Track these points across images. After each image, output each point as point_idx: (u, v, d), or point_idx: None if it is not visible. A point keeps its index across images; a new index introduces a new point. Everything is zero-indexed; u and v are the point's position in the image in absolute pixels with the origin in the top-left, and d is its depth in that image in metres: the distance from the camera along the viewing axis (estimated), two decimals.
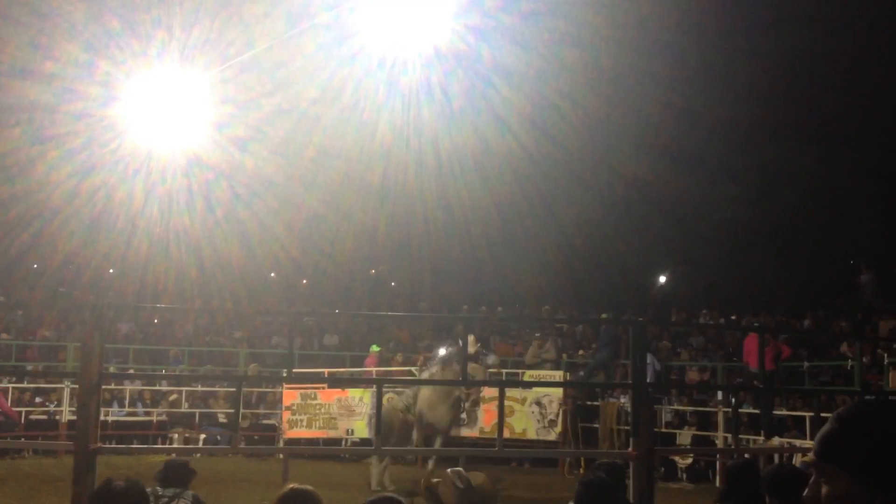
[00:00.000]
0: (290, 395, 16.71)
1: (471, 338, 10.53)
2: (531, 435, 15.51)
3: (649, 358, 14.58)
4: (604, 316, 19.05)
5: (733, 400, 11.28)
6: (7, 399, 16.13)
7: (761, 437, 14.64)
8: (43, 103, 16.44)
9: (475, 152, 23.85)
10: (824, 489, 1.63)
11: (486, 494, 4.39)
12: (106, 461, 8.33)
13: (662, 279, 32.95)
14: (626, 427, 13.68)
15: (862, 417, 1.63)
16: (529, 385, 15.82)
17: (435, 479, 4.42)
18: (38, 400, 17.84)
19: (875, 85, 23.32)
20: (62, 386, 17.43)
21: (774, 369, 14.70)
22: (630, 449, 6.24)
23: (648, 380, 8.71)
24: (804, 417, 14.02)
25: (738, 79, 23.24)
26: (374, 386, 7.93)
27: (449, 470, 4.46)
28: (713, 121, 24.49)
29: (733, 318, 18.79)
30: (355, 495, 11.44)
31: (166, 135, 14.49)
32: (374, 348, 19.52)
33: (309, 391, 16.67)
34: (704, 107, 23.41)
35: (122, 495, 3.61)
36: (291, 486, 3.60)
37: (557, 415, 15.51)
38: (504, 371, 17.10)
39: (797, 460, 12.39)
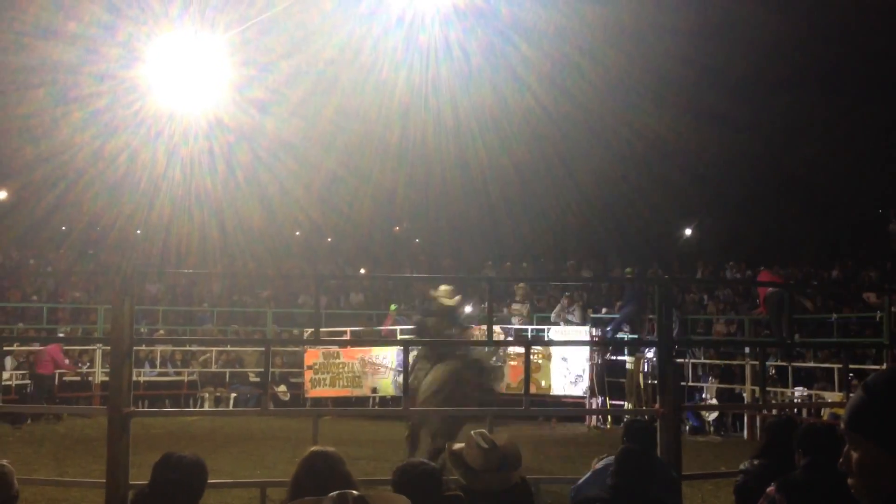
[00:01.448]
0: (313, 355, 16.85)
1: (443, 288, 9.87)
2: (558, 390, 15.62)
3: (674, 314, 14.61)
4: (628, 271, 19.04)
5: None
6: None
7: (789, 390, 14.69)
8: (66, 64, 16.48)
9: (494, 111, 23.71)
10: (854, 456, 1.66)
11: (512, 453, 4.45)
12: (140, 422, 8.51)
13: (688, 232, 32.83)
14: (653, 381, 13.76)
15: (890, 387, 1.65)
16: (555, 344, 15.86)
17: (458, 445, 4.49)
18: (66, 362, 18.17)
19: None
20: (94, 348, 17.70)
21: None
22: (657, 406, 6.32)
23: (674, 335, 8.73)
24: (832, 369, 14.04)
25: (757, 32, 22.90)
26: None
27: (472, 432, 4.52)
28: (734, 75, 24.23)
29: (761, 269, 18.69)
30: (383, 451, 11.65)
31: (188, 97, 14.49)
32: (393, 308, 19.66)
33: (332, 350, 16.80)
34: (725, 61, 23.14)
35: (190, 467, 3.73)
36: (313, 449, 3.66)
37: (584, 370, 15.60)
38: (530, 328, 17.19)
39: (825, 413, 12.47)
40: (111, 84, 15.72)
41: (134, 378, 6.23)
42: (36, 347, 16.57)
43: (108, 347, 6.21)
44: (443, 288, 9.81)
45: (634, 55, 23.16)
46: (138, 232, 27.13)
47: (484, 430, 4.53)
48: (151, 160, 20.30)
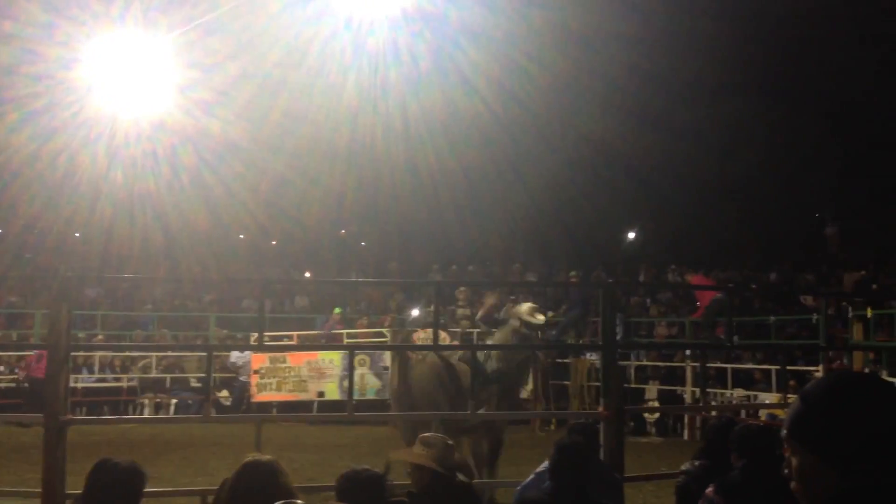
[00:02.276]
0: (259, 359, 16.73)
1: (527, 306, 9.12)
2: None
3: (617, 318, 14.82)
4: (572, 275, 19.21)
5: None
6: None
7: (729, 392, 14.98)
8: (1, 64, 16.08)
9: (442, 115, 23.74)
10: (794, 464, 1.70)
11: (460, 456, 4.46)
12: (78, 429, 8.31)
13: (631, 235, 33.26)
14: (597, 383, 13.90)
15: (826, 396, 1.68)
16: (500, 348, 15.90)
17: (413, 447, 4.49)
18: (1, 369, 17.73)
19: (835, 40, 23.53)
20: (30, 354, 17.29)
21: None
22: (600, 408, 6.39)
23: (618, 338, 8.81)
24: (770, 371, 14.34)
25: (700, 40, 23.30)
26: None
27: (422, 434, 4.53)
28: (677, 82, 24.59)
29: (701, 272, 19.04)
30: (327, 457, 11.58)
31: (130, 98, 14.29)
32: (337, 311, 19.60)
33: (278, 354, 16.70)
34: (668, 68, 23.48)
35: (126, 474, 3.64)
36: (249, 458, 3.56)
37: (528, 372, 15.66)
38: (475, 331, 17.20)
39: (763, 414, 12.73)
40: (49, 84, 15.38)
41: (71, 384, 6.11)
42: None
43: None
44: (527, 306, 9.22)
45: (581, 61, 23.41)
46: (77, 235, 26.60)
47: (435, 433, 4.54)
48: (92, 162, 19.92)
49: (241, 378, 17.57)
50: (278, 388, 16.75)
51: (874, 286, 18.92)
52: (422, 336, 15.33)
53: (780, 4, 21.59)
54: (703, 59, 24.05)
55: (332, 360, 16.58)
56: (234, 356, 17.65)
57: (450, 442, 4.42)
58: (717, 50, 23.23)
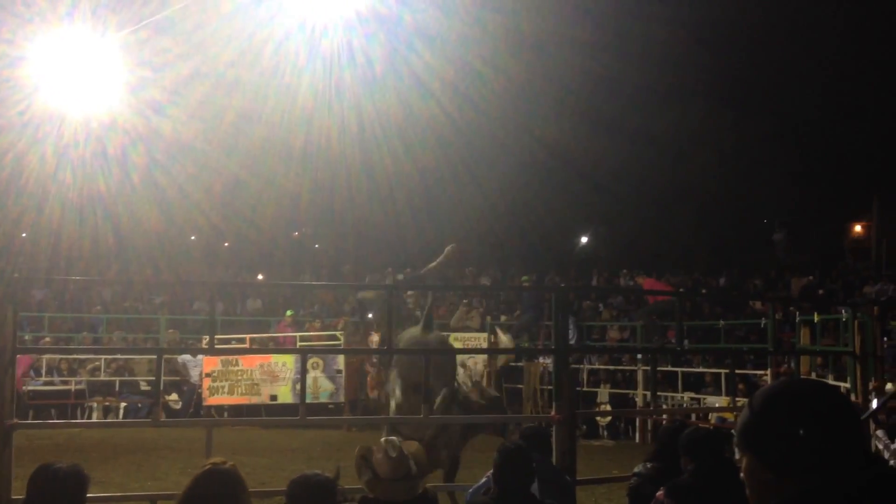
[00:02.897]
0: (211, 362, 16.55)
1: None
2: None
3: (570, 321, 14.95)
4: (524, 279, 19.32)
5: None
6: None
7: (679, 395, 15.18)
8: None
9: (397, 117, 23.77)
10: (745, 470, 1.73)
11: (420, 462, 4.45)
12: (24, 433, 8.16)
13: (584, 240, 33.56)
14: (550, 387, 13.99)
15: (774, 406, 1.71)
16: (456, 352, 15.95)
17: (372, 447, 4.46)
18: None
19: (783, 48, 24.03)
20: None
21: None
22: (553, 412, 6.42)
23: (571, 342, 8.87)
24: (720, 374, 14.54)
25: (651, 46, 23.62)
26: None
27: (382, 439, 4.51)
28: (629, 86, 24.90)
29: (652, 276, 19.29)
30: (279, 460, 11.50)
31: (79, 97, 14.03)
32: (289, 313, 19.50)
33: (230, 357, 16.53)
34: (620, 73, 23.76)
35: (67, 478, 3.57)
36: (208, 465, 3.46)
37: (482, 376, 15.71)
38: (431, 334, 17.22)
39: (712, 418, 12.93)
40: None
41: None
42: None
43: None
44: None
45: (535, 65, 23.62)
46: (24, 235, 26.05)
47: (394, 438, 4.52)
48: (40, 162, 19.54)
49: (191, 380, 17.36)
50: (230, 392, 16.58)
51: (820, 291, 19.33)
52: (376, 339, 15.33)
53: (730, 13, 22.00)
54: (655, 65, 24.40)
55: (286, 363, 16.46)
56: (182, 358, 17.41)
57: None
58: (669, 56, 23.60)
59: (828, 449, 1.63)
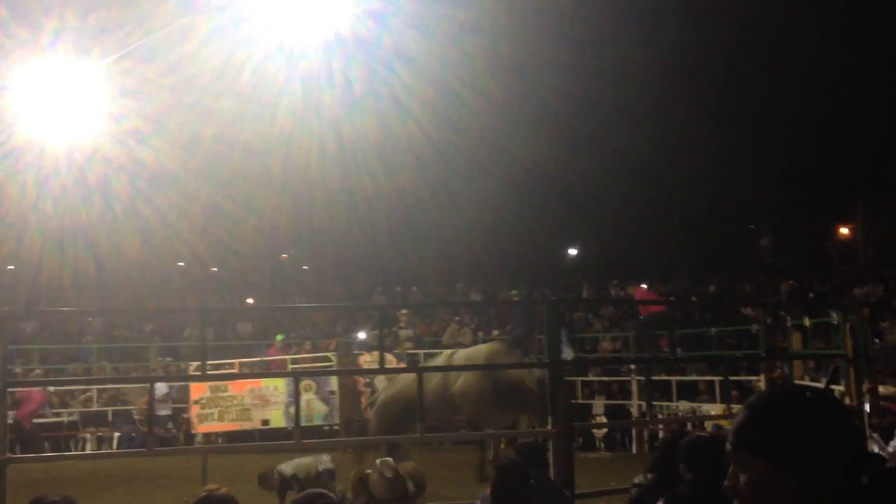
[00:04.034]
0: (199, 389, 16.34)
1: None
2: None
3: (563, 334, 14.94)
4: (514, 293, 19.34)
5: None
6: None
7: (674, 404, 15.19)
8: None
9: (377, 138, 23.81)
10: (742, 478, 1.72)
11: (416, 481, 4.45)
12: (17, 467, 8.04)
13: (572, 252, 33.67)
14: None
15: (772, 406, 1.73)
16: (449, 370, 15.92)
17: (368, 471, 4.45)
18: None
19: (761, 56, 24.29)
20: None
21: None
22: (549, 426, 6.42)
23: (564, 356, 8.88)
24: (714, 382, 14.58)
25: (630, 64, 23.79)
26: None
27: (378, 460, 4.51)
28: (607, 104, 25.00)
29: (643, 286, 19.34)
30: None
31: (61, 127, 13.98)
32: (279, 337, 19.41)
33: (219, 383, 16.35)
34: (600, 92, 23.90)
35: None
36: (204, 492, 3.51)
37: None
38: (422, 352, 17.18)
39: (709, 426, 12.94)
40: None
41: (9, 421, 5.95)
42: None
43: None
44: None
45: (513, 86, 23.76)
46: (10, 268, 25.88)
47: (390, 459, 4.52)
48: (20, 192, 19.43)
49: (161, 412, 17.08)
50: (220, 419, 16.38)
51: (810, 294, 19.41)
52: (367, 360, 15.29)
53: (704, 25, 22.25)
54: (633, 81, 24.61)
55: (277, 386, 16.29)
56: (159, 387, 17.17)
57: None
58: (647, 70, 23.79)
59: (826, 449, 1.64)
